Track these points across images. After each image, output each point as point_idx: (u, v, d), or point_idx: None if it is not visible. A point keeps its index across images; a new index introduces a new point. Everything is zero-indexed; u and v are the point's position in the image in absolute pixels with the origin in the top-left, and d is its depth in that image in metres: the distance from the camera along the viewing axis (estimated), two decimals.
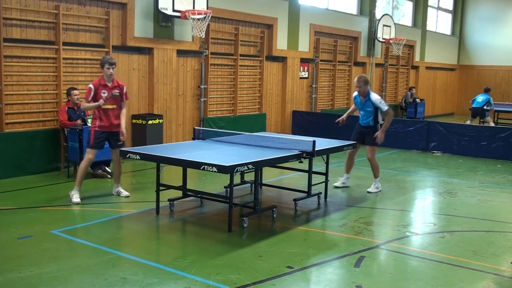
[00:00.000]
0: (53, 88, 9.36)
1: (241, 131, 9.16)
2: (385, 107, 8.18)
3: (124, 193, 7.67)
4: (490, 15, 24.08)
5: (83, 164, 7.38)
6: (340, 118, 8.74)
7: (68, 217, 6.65)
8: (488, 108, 16.69)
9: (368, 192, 8.39)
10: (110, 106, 7.37)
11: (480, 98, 16.76)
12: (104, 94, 7.30)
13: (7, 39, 8.63)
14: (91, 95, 7.29)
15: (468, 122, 16.08)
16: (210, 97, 12.39)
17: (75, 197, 7.21)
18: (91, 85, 7.36)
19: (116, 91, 7.42)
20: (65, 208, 7.03)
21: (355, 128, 8.64)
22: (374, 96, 8.26)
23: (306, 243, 5.94)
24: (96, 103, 7.26)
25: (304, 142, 7.01)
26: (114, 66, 7.39)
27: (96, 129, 7.34)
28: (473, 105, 16.80)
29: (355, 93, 8.47)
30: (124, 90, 7.57)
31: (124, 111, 7.58)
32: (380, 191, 8.47)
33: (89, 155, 7.36)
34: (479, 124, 16.71)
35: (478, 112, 16.78)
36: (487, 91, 17.04)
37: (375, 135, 8.26)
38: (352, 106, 8.88)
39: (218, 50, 12.60)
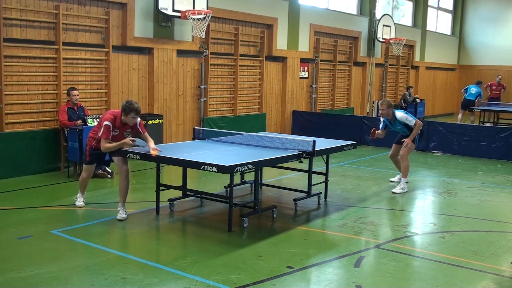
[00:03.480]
0: (53, 88, 9.36)
1: (241, 131, 9.16)
2: (412, 122, 8.43)
3: (121, 215, 6.56)
4: (490, 15, 24.07)
5: (80, 179, 7.08)
6: (374, 133, 8.70)
7: (68, 217, 6.65)
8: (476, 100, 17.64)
9: (393, 192, 8.37)
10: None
11: (473, 90, 17.53)
12: (116, 132, 6.59)
13: (7, 39, 8.63)
14: (110, 134, 6.51)
15: (459, 117, 17.20)
16: (210, 97, 12.40)
17: (78, 201, 7.09)
18: (108, 123, 6.46)
19: (127, 130, 6.79)
20: (65, 208, 7.03)
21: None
22: (399, 115, 8.52)
23: (306, 243, 5.94)
24: (123, 142, 6.50)
25: (304, 142, 7.00)
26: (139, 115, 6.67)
27: (92, 147, 6.75)
28: (467, 97, 17.52)
29: (383, 119, 8.67)
30: (137, 125, 6.71)
31: (149, 138, 6.66)
32: (406, 191, 8.44)
33: (86, 172, 6.95)
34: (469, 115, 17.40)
35: (470, 104, 17.48)
36: (479, 83, 18.01)
37: (404, 141, 8.47)
38: (380, 131, 8.78)
39: (218, 50, 12.60)
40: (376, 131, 8.70)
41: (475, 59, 24.68)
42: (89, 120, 8.84)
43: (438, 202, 8.14)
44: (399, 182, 8.68)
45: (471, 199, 8.20)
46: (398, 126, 8.61)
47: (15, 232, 5.96)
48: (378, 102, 18.42)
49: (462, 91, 18.25)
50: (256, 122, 13.60)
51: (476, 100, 17.55)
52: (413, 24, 21.43)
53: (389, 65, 19.63)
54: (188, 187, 7.20)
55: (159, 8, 10.48)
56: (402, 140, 8.57)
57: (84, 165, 7.08)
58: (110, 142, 6.53)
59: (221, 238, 6.00)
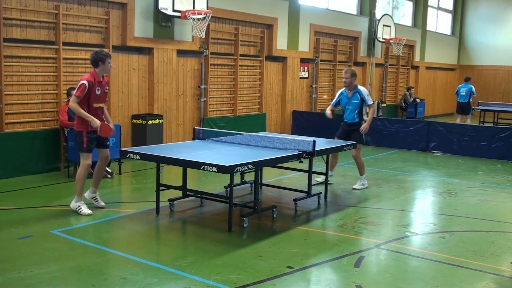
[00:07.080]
0: (53, 88, 9.36)
1: (241, 131, 9.16)
2: (371, 101, 8.46)
3: (101, 202, 6.95)
4: (490, 15, 24.08)
5: (82, 172, 6.64)
6: (328, 113, 8.59)
7: (68, 217, 6.64)
8: (471, 100, 16.57)
9: (353, 189, 8.50)
10: (100, 105, 6.69)
11: (463, 90, 16.45)
12: (98, 91, 6.58)
13: (7, 39, 8.63)
14: (84, 93, 6.43)
15: (458, 120, 16.32)
16: (210, 97, 12.40)
17: (84, 209, 6.67)
18: (85, 82, 6.45)
19: (106, 88, 6.85)
20: (65, 208, 7.02)
21: (340, 126, 8.77)
22: (362, 88, 8.57)
23: (306, 243, 5.94)
24: (92, 119, 6.43)
25: (304, 142, 7.00)
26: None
27: (89, 129, 6.54)
28: (459, 100, 16.57)
29: (341, 90, 8.72)
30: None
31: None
32: (366, 187, 8.58)
33: (87, 160, 6.61)
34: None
35: (464, 107, 16.55)
36: (467, 80, 16.76)
37: (361, 129, 8.41)
38: (330, 108, 8.75)
39: (218, 50, 12.60)
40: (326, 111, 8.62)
41: (475, 59, 24.69)
42: None
43: (438, 202, 8.14)
44: (321, 182, 8.42)
45: (471, 199, 8.20)
46: (354, 100, 8.41)
47: (15, 232, 5.96)
48: (378, 102, 18.45)
49: (455, 94, 17.11)
50: (256, 122, 13.60)
51: (471, 101, 16.52)
52: (413, 24, 21.44)
53: (389, 65, 19.63)
54: (188, 187, 7.20)
55: (159, 8, 10.48)
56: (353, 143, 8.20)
57: (82, 154, 6.58)
58: (83, 108, 6.44)
59: (221, 238, 5.99)
